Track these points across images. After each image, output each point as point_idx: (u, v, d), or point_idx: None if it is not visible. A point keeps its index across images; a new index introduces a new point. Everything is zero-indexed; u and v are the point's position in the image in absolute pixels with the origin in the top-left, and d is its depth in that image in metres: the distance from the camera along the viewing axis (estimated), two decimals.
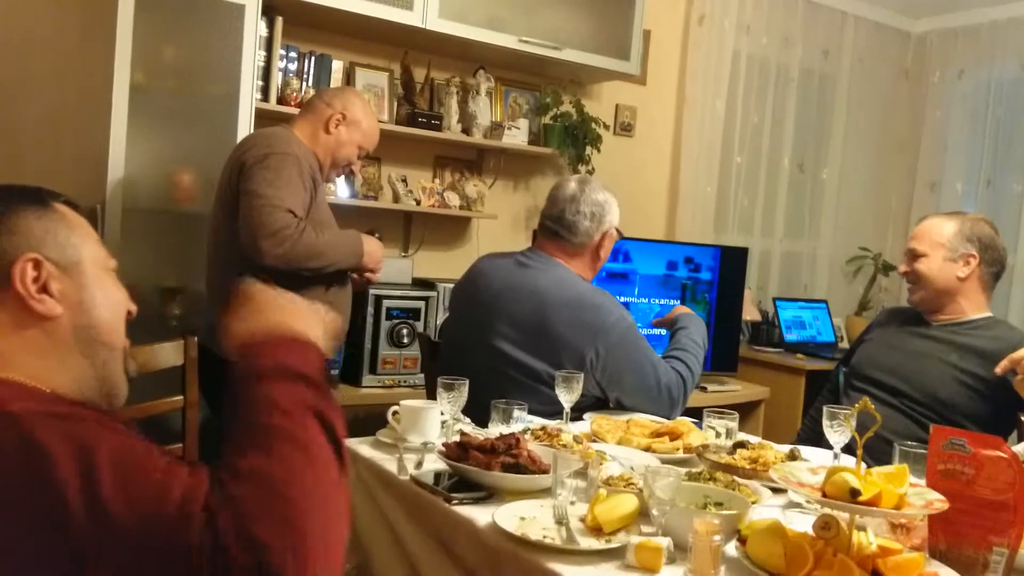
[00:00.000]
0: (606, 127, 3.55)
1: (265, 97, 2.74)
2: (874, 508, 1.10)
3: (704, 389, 3.33)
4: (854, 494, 1.10)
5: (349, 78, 3.03)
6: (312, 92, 2.83)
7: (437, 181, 3.25)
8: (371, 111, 2.39)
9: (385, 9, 2.81)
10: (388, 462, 1.58)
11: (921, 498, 1.15)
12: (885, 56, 4.49)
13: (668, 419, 1.96)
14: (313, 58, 2.94)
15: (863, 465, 1.17)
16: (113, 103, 2.31)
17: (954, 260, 2.14)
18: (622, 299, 3.31)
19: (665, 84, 3.94)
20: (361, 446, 1.68)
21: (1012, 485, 1.17)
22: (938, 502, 1.14)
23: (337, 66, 2.98)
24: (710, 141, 3.95)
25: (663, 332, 2.41)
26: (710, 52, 3.90)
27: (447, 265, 3.33)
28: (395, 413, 1.71)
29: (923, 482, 1.25)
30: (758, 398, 3.56)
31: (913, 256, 2.20)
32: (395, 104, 3.12)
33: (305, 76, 2.91)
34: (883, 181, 4.59)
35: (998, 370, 1.83)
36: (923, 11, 4.43)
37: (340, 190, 3.03)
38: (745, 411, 3.52)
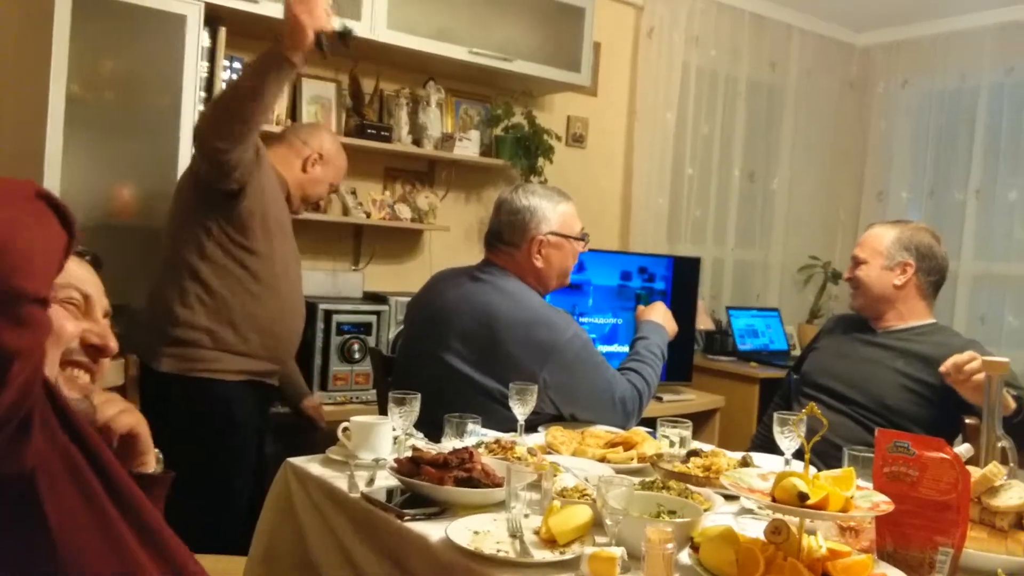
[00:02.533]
0: (558, 138, 3.56)
1: None
2: (822, 511, 1.11)
3: (660, 399, 3.34)
4: (802, 498, 1.11)
5: (295, 89, 2.99)
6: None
7: (388, 193, 3.22)
8: (340, 147, 2.47)
9: (333, 20, 2.77)
10: (339, 479, 1.55)
11: (867, 500, 1.17)
12: (831, 68, 4.59)
13: (623, 430, 1.96)
14: None
15: (812, 469, 1.18)
16: (48, 114, 2.24)
17: (891, 268, 2.21)
18: (576, 311, 3.32)
19: (616, 96, 3.98)
20: (311, 464, 1.65)
21: (955, 486, 1.19)
22: (884, 504, 1.15)
23: None
24: (661, 152, 3.98)
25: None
26: (660, 64, 3.95)
27: (399, 279, 3.31)
28: (345, 430, 1.68)
29: (871, 485, 1.27)
30: (713, 407, 3.59)
31: (855, 263, 2.27)
32: (343, 116, 3.08)
33: None
34: (831, 190, 4.68)
35: (942, 369, 1.86)
36: (867, 24, 4.55)
37: None
38: (700, 420, 3.54)
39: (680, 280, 3.53)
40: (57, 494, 0.80)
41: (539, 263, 2.08)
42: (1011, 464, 1.50)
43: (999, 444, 1.53)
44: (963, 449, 1.37)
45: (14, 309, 0.72)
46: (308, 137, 2.36)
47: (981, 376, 1.68)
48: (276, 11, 2.64)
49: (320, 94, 3.05)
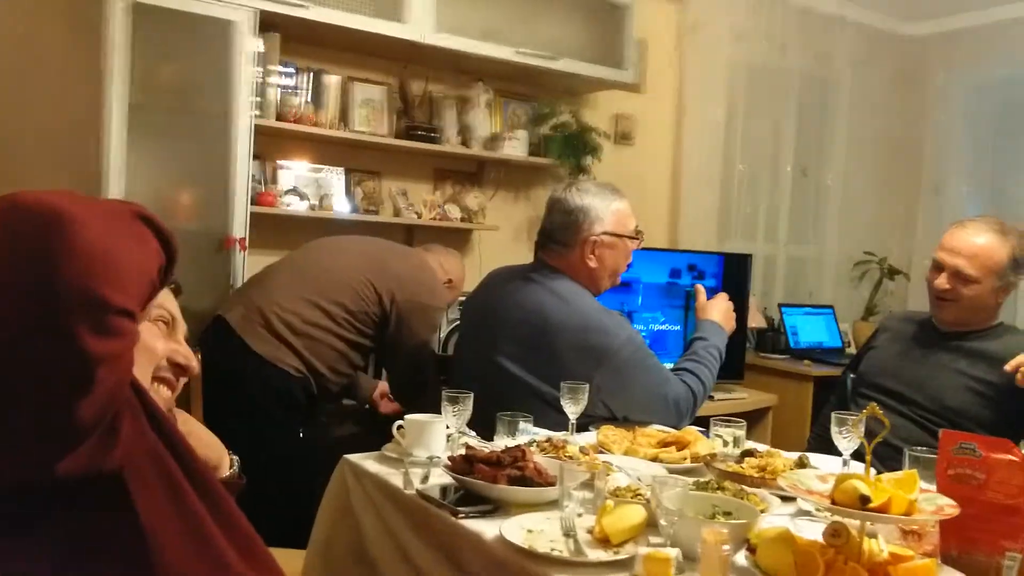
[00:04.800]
0: (605, 136, 3.55)
1: (263, 113, 2.74)
2: (884, 514, 1.09)
3: (711, 398, 3.29)
4: (864, 501, 1.09)
5: (346, 92, 3.03)
6: (309, 106, 2.87)
7: (438, 194, 3.25)
8: (464, 268, 2.82)
9: (381, 24, 2.81)
10: (394, 476, 1.57)
11: (932, 503, 1.14)
12: (882, 59, 4.48)
13: (676, 429, 1.95)
14: (311, 74, 2.94)
15: (872, 471, 1.16)
16: (111, 121, 2.31)
17: (1001, 290, 2.07)
18: (625, 310, 3.30)
19: (662, 92, 3.94)
20: (367, 461, 1.67)
21: (1023, 489, 1.16)
22: (948, 507, 1.12)
23: (334, 81, 2.99)
24: (710, 148, 3.94)
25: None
26: (705, 60, 3.90)
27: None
28: (400, 428, 1.69)
29: (934, 487, 1.24)
30: (766, 405, 3.54)
31: (959, 276, 2.06)
32: (393, 118, 3.12)
33: (302, 91, 2.91)
34: (887, 184, 4.57)
35: (1008, 367, 1.80)
36: (917, 14, 4.43)
37: (341, 205, 3.03)
38: (753, 419, 3.49)
39: (731, 277, 3.48)
40: (148, 492, 0.84)
41: (592, 263, 2.05)
42: None
43: None
44: None
45: (102, 318, 0.76)
46: (447, 263, 2.69)
47: None
48: (327, 16, 2.70)
49: (371, 97, 3.08)
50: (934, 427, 2.01)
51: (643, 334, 3.22)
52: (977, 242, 2.05)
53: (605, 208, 2.06)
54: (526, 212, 3.57)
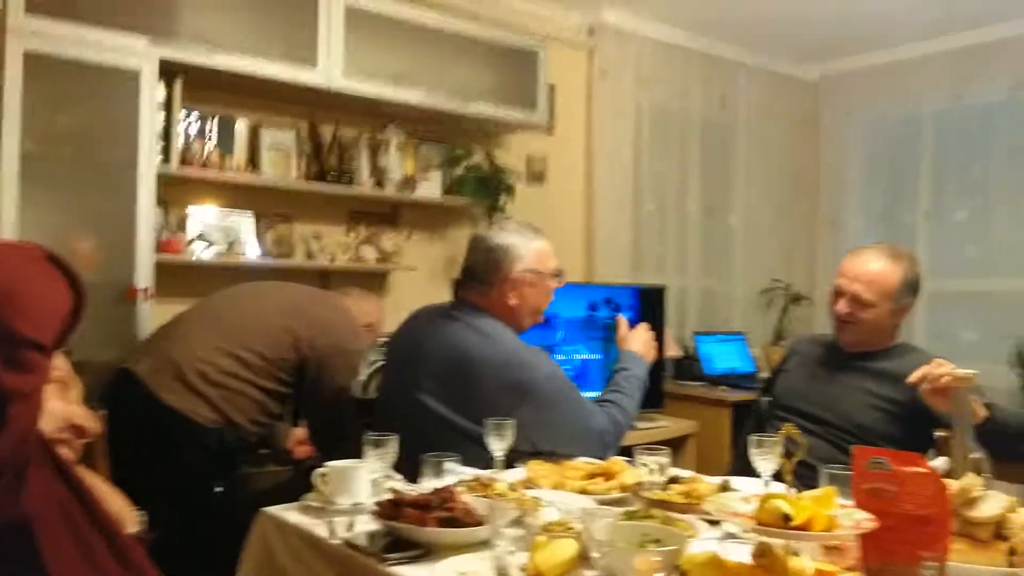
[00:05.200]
0: (518, 176, 3.60)
1: (167, 160, 2.67)
2: (806, 532, 1.11)
3: (634, 427, 3.34)
4: (786, 519, 1.11)
5: (254, 137, 2.98)
6: (216, 152, 2.83)
7: (352, 236, 3.22)
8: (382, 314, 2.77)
9: (289, 70, 2.80)
10: (318, 527, 1.52)
11: (850, 519, 1.17)
12: (780, 102, 4.71)
13: (602, 460, 1.95)
14: (216, 119, 2.89)
15: (793, 490, 1.19)
16: (3, 172, 2.20)
17: (897, 312, 2.17)
18: (546, 345, 3.32)
19: (573, 134, 4.03)
20: (288, 513, 1.61)
21: (934, 499, 1.20)
22: (866, 521, 1.16)
23: (242, 126, 2.94)
24: (621, 189, 4.04)
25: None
26: (613, 104, 4.02)
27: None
28: (322, 475, 1.65)
29: (850, 503, 1.28)
30: (687, 432, 3.60)
31: (858, 301, 2.14)
32: (303, 161, 3.08)
33: (209, 138, 2.85)
34: (788, 218, 4.78)
35: (912, 379, 1.87)
36: (813, 57, 4.69)
37: (251, 251, 2.96)
38: (675, 446, 3.55)
39: (647, 309, 3.55)
40: (56, 545, 0.80)
41: (513, 301, 2.06)
42: (985, 474, 1.53)
43: (972, 456, 1.55)
44: (940, 463, 1.38)
45: (14, 352, 0.75)
46: (366, 307, 2.64)
47: (948, 379, 1.71)
48: (233, 63, 2.67)
49: (279, 141, 3.04)
50: (846, 445, 2.07)
51: (566, 367, 3.24)
52: (872, 268, 2.15)
53: (526, 246, 2.08)
54: (442, 252, 3.57)
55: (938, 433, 1.97)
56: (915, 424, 2.04)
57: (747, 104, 4.56)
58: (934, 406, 1.84)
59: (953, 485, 1.31)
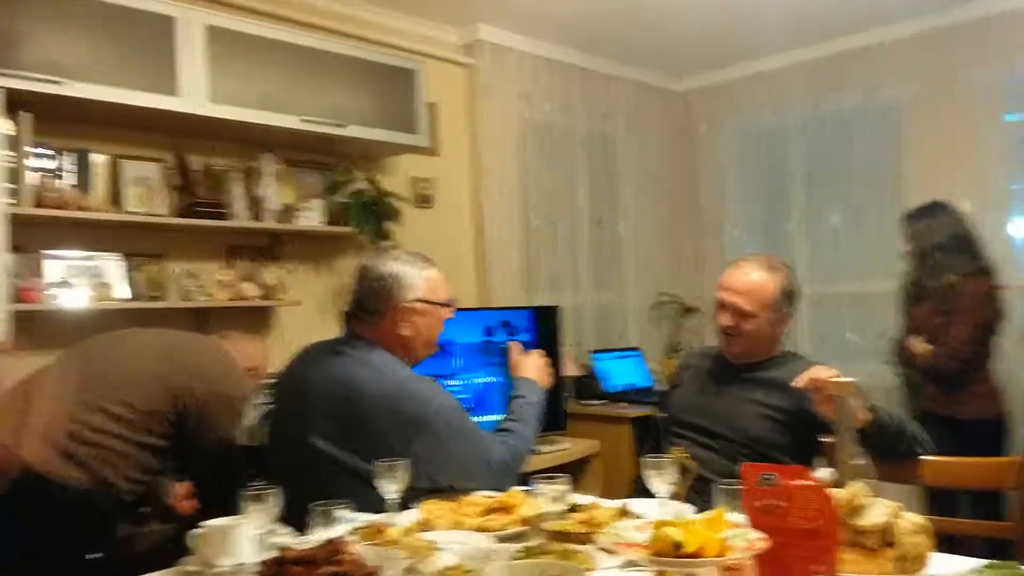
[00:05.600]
0: (405, 200, 3.53)
1: (19, 201, 2.47)
2: (700, 559, 1.10)
3: (537, 452, 3.31)
4: (678, 548, 1.09)
5: (116, 171, 2.80)
6: (74, 189, 2.65)
7: (230, 272, 3.06)
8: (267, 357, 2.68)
9: (148, 97, 2.64)
10: None
11: (743, 539, 1.16)
12: (657, 114, 4.84)
13: (501, 492, 1.91)
14: (74, 154, 2.70)
15: (688, 507, 1.17)
16: None
17: (777, 322, 2.21)
18: (443, 373, 3.26)
19: (458, 154, 4.00)
20: None
21: (821, 512, 1.21)
22: (759, 541, 1.15)
23: (100, 160, 2.76)
24: (508, 206, 4.03)
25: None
26: (497, 121, 4.01)
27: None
28: (199, 536, 1.53)
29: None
30: (590, 452, 3.60)
31: (739, 313, 2.19)
32: (173, 195, 2.92)
33: (64, 174, 2.66)
34: (673, 230, 4.90)
35: (798, 383, 1.90)
36: (686, 70, 4.84)
37: (120, 294, 2.77)
38: (580, 466, 3.55)
39: (542, 330, 3.54)
40: None
41: (406, 331, 2.00)
42: (871, 479, 1.56)
43: (856, 462, 1.58)
44: (824, 473, 1.40)
45: None
46: (249, 350, 2.55)
47: (829, 387, 1.75)
48: (88, 92, 2.50)
49: (143, 175, 2.87)
50: (742, 458, 2.09)
51: (464, 394, 3.19)
52: (750, 280, 2.20)
53: (416, 275, 2.03)
54: (329, 284, 3.45)
55: (824, 439, 2.01)
56: (803, 431, 2.08)
57: (626, 117, 4.65)
58: (820, 410, 1.88)
59: (839, 495, 1.32)
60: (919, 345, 3.32)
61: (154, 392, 2.12)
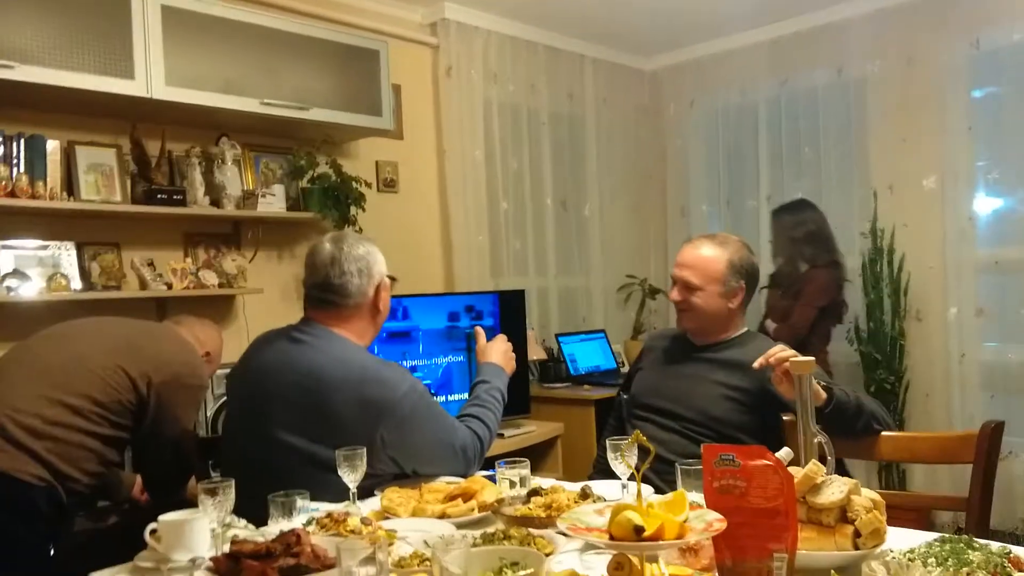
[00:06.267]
0: (368, 185, 3.48)
1: None
2: (658, 542, 1.09)
3: (501, 435, 3.31)
4: (638, 531, 1.09)
5: (69, 158, 2.73)
6: (23, 177, 2.57)
7: (189, 260, 3.00)
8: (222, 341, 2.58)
9: (103, 81, 2.57)
10: None
11: (701, 520, 1.16)
12: (624, 94, 4.82)
13: (464, 477, 1.90)
14: (23, 140, 2.62)
15: (649, 489, 1.16)
16: None
17: (726, 295, 2.22)
18: (406, 359, 3.24)
19: (423, 137, 3.96)
20: None
21: (781, 491, 1.21)
22: (717, 522, 1.15)
23: (53, 146, 2.68)
24: (474, 189, 4.00)
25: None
26: (462, 102, 3.97)
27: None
28: (153, 532, 1.50)
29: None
30: (554, 435, 3.60)
31: (687, 287, 2.23)
32: (128, 182, 2.85)
33: (15, 161, 2.59)
34: (639, 210, 4.90)
35: (756, 364, 1.92)
36: (652, 49, 4.82)
37: (75, 284, 2.71)
38: (543, 449, 3.55)
39: (507, 314, 3.53)
40: None
41: (382, 306, 2.02)
42: (829, 457, 1.57)
43: (815, 440, 1.60)
44: (783, 453, 1.40)
45: None
46: (202, 335, 2.44)
47: (788, 365, 1.76)
48: (38, 76, 2.43)
49: (99, 162, 2.80)
50: (703, 439, 2.11)
51: (428, 379, 3.18)
52: (698, 254, 2.25)
53: (378, 253, 2.05)
54: (291, 270, 3.40)
55: (785, 418, 2.03)
56: (765, 411, 2.09)
57: (593, 97, 4.63)
58: (780, 391, 1.89)
59: (798, 474, 1.33)
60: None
61: (112, 382, 2.07)
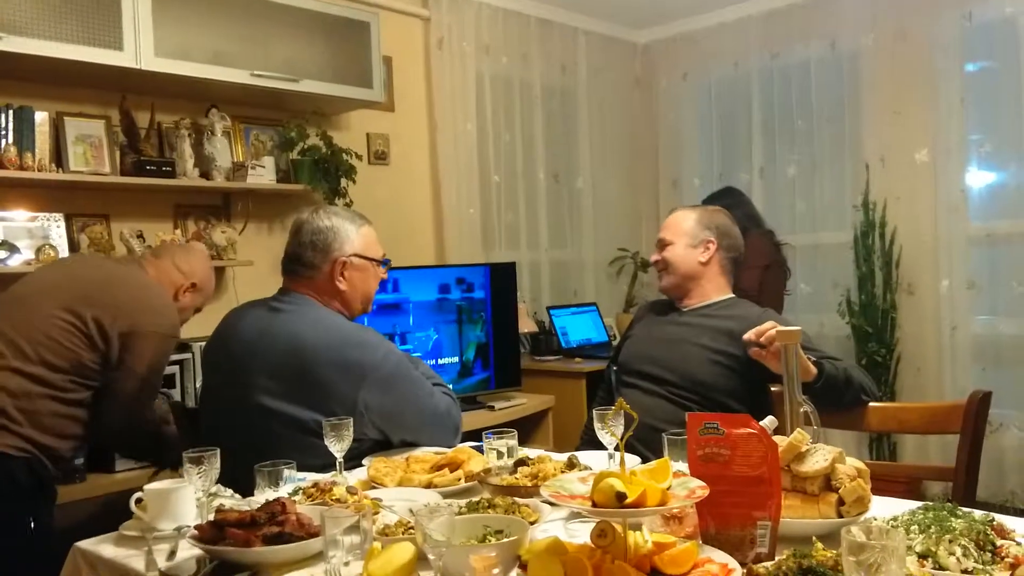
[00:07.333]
0: (359, 157, 3.46)
1: None
2: (641, 509, 1.10)
3: (492, 408, 3.32)
4: (620, 498, 1.09)
5: (57, 130, 2.70)
6: (12, 148, 2.55)
7: (179, 232, 2.99)
8: (212, 269, 2.44)
9: (91, 52, 2.54)
10: (135, 558, 1.38)
11: (684, 488, 1.17)
12: (617, 66, 4.79)
13: (450, 447, 1.90)
14: (11, 111, 2.60)
15: (635, 459, 1.17)
16: None
17: (695, 246, 2.30)
18: (397, 331, 3.24)
19: (414, 109, 3.92)
20: (102, 546, 1.46)
21: (765, 459, 1.22)
22: (700, 489, 1.15)
23: (41, 118, 2.65)
24: (466, 162, 3.98)
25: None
26: (453, 75, 3.94)
27: (204, 322, 3.03)
28: (139, 501, 1.50)
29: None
30: (545, 407, 3.61)
31: (662, 245, 2.35)
32: (117, 154, 2.83)
33: (3, 133, 2.56)
34: (631, 183, 4.88)
35: (745, 337, 1.93)
36: (646, 22, 4.78)
37: (62, 254, 2.69)
38: (534, 422, 3.56)
39: (498, 286, 3.53)
40: None
41: (342, 285, 1.98)
42: (815, 427, 1.58)
43: (801, 409, 1.60)
44: (768, 421, 1.40)
45: None
46: (185, 265, 2.30)
47: (778, 344, 1.76)
48: (25, 46, 2.40)
49: (88, 133, 2.77)
50: (690, 404, 2.12)
51: (417, 352, 3.17)
52: (674, 216, 2.41)
53: (354, 230, 2.02)
54: (281, 243, 3.29)
55: (772, 388, 2.03)
56: (753, 378, 2.10)
57: (586, 69, 4.59)
58: (769, 365, 1.89)
59: (782, 442, 1.33)
60: None
61: (69, 343, 2.00)
